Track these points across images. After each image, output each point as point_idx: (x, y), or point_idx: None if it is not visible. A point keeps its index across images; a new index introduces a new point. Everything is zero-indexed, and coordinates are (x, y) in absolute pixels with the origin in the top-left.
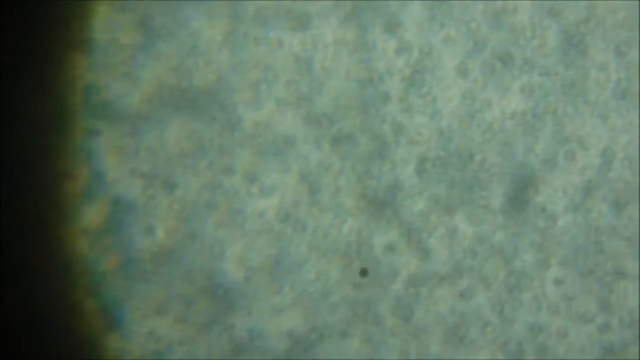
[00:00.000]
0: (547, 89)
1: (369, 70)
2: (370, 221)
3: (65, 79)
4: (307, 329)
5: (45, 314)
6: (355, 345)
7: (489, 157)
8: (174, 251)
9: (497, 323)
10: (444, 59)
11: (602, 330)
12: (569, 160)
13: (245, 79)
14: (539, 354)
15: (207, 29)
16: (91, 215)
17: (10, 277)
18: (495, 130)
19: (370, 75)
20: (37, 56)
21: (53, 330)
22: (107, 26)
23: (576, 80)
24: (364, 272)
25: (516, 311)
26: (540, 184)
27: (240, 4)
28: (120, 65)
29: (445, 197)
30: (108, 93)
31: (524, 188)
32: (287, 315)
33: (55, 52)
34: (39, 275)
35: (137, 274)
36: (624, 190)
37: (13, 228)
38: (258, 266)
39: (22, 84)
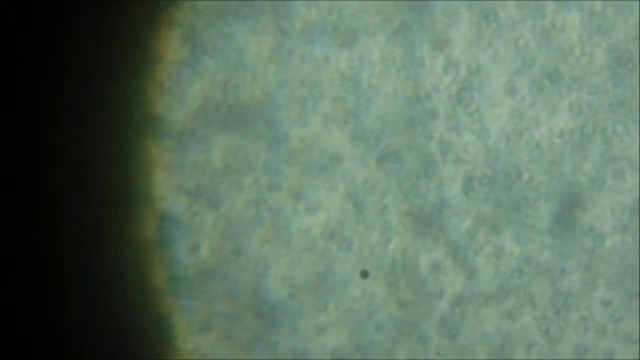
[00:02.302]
0: (595, 107)
1: (416, 88)
2: (416, 239)
3: (112, 95)
4: (351, 348)
5: (94, 330)
6: None
7: (537, 175)
8: (218, 268)
9: (543, 343)
10: (491, 76)
11: None
12: (617, 180)
13: (292, 95)
14: None
15: (253, 44)
16: (137, 230)
17: (63, 293)
18: (543, 148)
19: (418, 93)
20: (86, 72)
21: (100, 346)
22: (153, 41)
23: (625, 98)
24: (364, 274)
25: (563, 332)
26: (588, 203)
27: (287, 20)
28: (166, 80)
29: (491, 216)
30: (153, 109)
31: (572, 207)
32: (331, 334)
33: (103, 67)
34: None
35: (181, 290)
36: None
37: (67, 244)
38: (303, 284)
39: (71, 100)
